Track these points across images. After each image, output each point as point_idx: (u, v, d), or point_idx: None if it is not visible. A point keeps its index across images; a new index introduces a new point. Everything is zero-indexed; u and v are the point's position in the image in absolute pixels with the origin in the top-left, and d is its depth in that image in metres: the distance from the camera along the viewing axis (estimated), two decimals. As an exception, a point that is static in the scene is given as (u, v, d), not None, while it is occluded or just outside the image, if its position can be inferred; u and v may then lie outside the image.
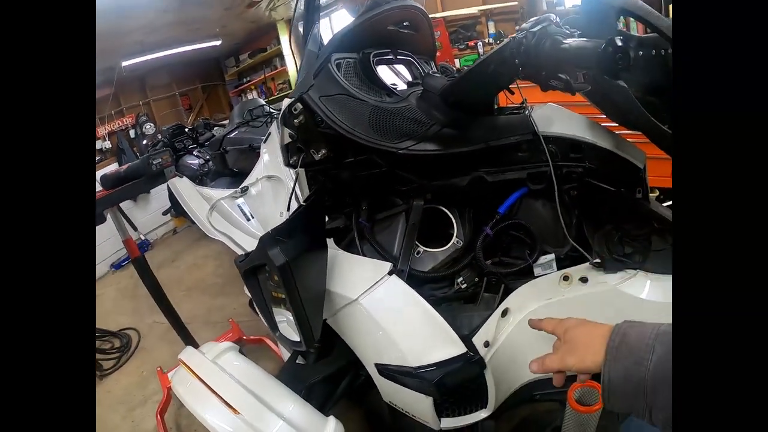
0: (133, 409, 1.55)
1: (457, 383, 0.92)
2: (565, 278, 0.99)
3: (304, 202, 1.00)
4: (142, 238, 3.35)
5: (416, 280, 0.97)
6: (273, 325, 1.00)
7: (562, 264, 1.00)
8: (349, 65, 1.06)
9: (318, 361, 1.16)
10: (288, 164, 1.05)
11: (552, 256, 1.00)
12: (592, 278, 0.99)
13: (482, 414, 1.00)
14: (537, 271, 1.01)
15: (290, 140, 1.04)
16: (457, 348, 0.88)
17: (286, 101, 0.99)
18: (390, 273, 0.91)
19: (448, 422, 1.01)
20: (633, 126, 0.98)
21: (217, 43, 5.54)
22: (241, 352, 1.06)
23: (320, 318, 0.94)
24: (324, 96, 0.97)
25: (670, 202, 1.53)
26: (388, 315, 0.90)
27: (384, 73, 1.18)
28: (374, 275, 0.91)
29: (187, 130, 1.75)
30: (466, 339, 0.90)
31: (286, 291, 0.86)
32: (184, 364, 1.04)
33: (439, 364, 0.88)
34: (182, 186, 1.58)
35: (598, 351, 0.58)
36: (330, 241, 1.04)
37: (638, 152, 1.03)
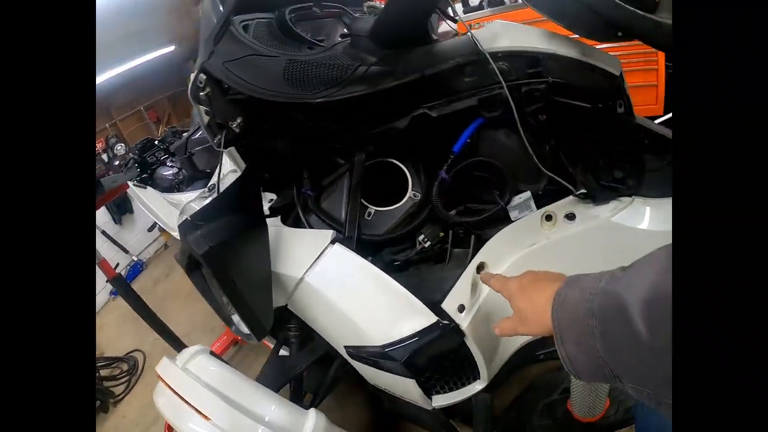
0: (148, 429, 1.53)
1: (433, 358, 0.78)
2: (548, 218, 0.82)
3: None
4: (135, 259, 3.24)
5: (371, 246, 0.83)
6: (227, 319, 0.90)
7: (541, 202, 0.83)
8: (261, 25, 0.93)
9: (302, 350, 1.06)
10: (216, 146, 0.94)
11: (528, 194, 0.83)
12: (580, 213, 0.81)
13: (477, 386, 0.84)
14: (513, 214, 0.84)
15: (209, 118, 0.94)
16: (426, 318, 0.73)
17: (192, 75, 0.88)
18: (333, 242, 0.78)
19: (440, 400, 0.86)
20: (606, 29, 0.79)
21: (171, 48, 5.28)
22: (212, 353, 0.97)
23: (269, 305, 0.82)
24: (229, 61, 0.85)
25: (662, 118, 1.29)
26: (338, 290, 0.76)
27: (312, 28, 1.05)
28: (315, 247, 0.78)
29: (156, 142, 1.69)
30: (437, 305, 0.75)
31: (216, 280, 0.75)
32: (159, 376, 0.96)
33: (406, 340, 0.74)
34: (147, 196, 1.51)
35: (545, 321, 0.51)
36: (276, 220, 0.92)
37: (611, 59, 0.84)
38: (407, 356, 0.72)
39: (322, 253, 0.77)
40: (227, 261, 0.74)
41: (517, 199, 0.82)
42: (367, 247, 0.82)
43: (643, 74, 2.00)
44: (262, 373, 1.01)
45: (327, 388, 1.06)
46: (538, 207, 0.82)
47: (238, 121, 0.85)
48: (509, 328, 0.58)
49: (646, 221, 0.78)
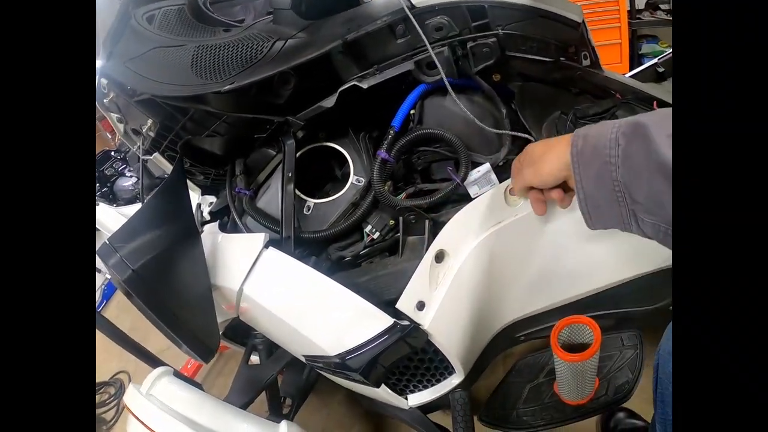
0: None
1: (397, 362, 0.65)
2: (513, 190, 0.67)
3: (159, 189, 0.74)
4: (108, 278, 3.00)
5: (313, 245, 0.68)
6: (175, 341, 0.77)
7: (504, 174, 0.68)
8: (170, 14, 0.75)
9: (270, 356, 0.94)
10: (135, 156, 0.79)
11: (486, 165, 0.67)
12: None
13: (454, 380, 0.72)
14: (473, 191, 0.69)
15: (123, 125, 0.78)
16: (380, 321, 0.59)
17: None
18: (266, 246, 0.64)
19: (416, 398, 0.74)
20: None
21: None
22: (176, 374, 0.85)
23: (211, 323, 0.68)
24: (131, 59, 0.69)
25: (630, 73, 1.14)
26: (277, 300, 0.61)
27: (242, 11, 0.88)
28: (249, 254, 0.63)
29: (113, 153, 1.53)
30: (391, 304, 0.62)
31: (144, 305, 0.61)
32: (126, 406, 0.84)
33: (361, 348, 0.60)
34: (99, 214, 1.36)
35: (561, 154, 0.49)
36: (214, 226, 0.78)
37: (570, 4, 0.67)
38: (363, 366, 0.59)
39: (256, 259, 0.63)
40: (155, 283, 0.60)
41: (475, 173, 0.67)
42: (310, 246, 0.68)
43: (605, 32, 1.83)
44: (233, 385, 0.90)
45: (304, 392, 0.95)
46: (501, 180, 0.67)
47: (149, 124, 0.70)
48: (522, 181, 0.55)
49: None
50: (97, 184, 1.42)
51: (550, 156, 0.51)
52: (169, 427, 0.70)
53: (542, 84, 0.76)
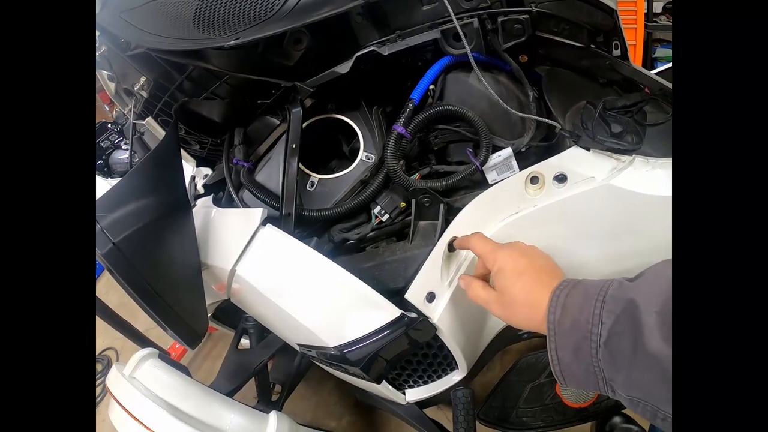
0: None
1: (400, 356, 0.56)
2: (534, 180, 0.57)
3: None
4: None
5: (317, 223, 0.58)
6: (160, 323, 0.67)
7: (526, 162, 0.58)
8: None
9: (261, 341, 0.85)
10: (125, 117, 0.68)
11: (508, 150, 0.58)
12: (572, 175, 0.56)
13: (455, 377, 0.63)
14: (491, 176, 0.60)
15: (114, 84, 0.67)
16: (386, 312, 0.49)
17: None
18: (264, 223, 0.54)
19: (414, 393, 0.65)
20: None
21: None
22: (161, 357, 0.75)
23: (199, 306, 0.58)
24: (128, 10, 0.57)
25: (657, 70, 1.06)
26: (273, 284, 0.51)
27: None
28: (245, 231, 0.53)
29: (110, 125, 1.40)
30: (400, 294, 0.53)
31: (125, 283, 0.51)
32: (108, 389, 0.74)
33: (363, 340, 0.52)
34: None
35: (536, 319, 0.41)
36: (208, 199, 0.68)
37: None
38: (365, 361, 0.50)
39: (252, 237, 0.53)
40: (138, 259, 0.50)
41: (495, 158, 0.58)
42: (311, 225, 0.58)
43: (622, 33, 1.76)
44: (221, 370, 0.80)
45: (295, 379, 0.86)
46: (522, 167, 0.58)
47: (141, 82, 0.59)
48: (483, 301, 0.45)
49: (648, 184, 0.54)
50: (91, 155, 1.30)
51: (523, 308, 0.41)
52: (152, 414, 0.60)
53: (569, 71, 0.68)
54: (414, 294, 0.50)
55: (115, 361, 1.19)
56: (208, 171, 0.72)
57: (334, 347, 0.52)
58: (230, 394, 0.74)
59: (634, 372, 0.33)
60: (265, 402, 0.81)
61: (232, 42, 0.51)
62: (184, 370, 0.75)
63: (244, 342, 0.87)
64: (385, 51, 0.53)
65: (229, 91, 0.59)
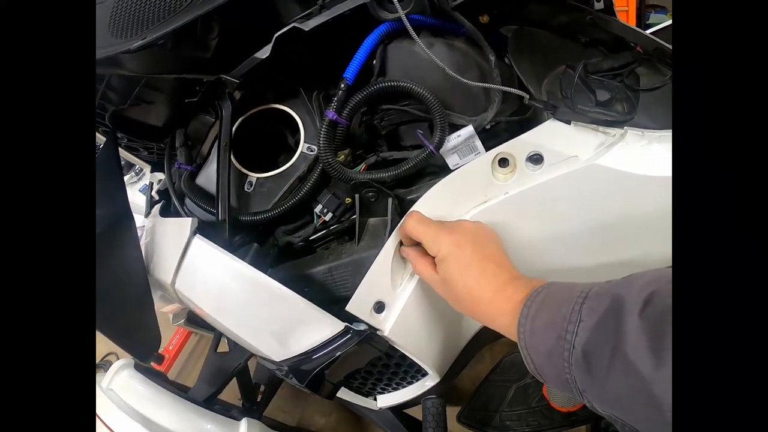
0: None
1: (354, 369, 0.50)
2: (503, 162, 0.46)
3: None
4: None
5: (257, 228, 0.51)
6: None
7: (492, 141, 0.47)
8: None
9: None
10: None
11: (469, 129, 0.47)
12: (548, 154, 0.45)
13: (428, 382, 0.55)
14: (452, 161, 0.50)
15: None
16: (328, 326, 0.42)
17: None
18: (195, 233, 0.47)
19: (386, 399, 0.59)
20: None
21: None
22: (136, 367, 0.73)
23: (148, 320, 0.54)
24: None
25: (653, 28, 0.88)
26: (207, 300, 0.45)
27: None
28: (177, 243, 0.47)
29: None
30: (344, 304, 0.45)
31: None
32: None
33: (306, 356, 0.45)
34: None
35: (480, 311, 0.36)
36: (156, 209, 0.62)
37: None
38: (309, 380, 0.44)
39: (184, 250, 0.47)
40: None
41: (455, 139, 0.47)
42: (254, 229, 0.51)
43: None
44: (201, 375, 0.77)
45: (277, 379, 0.82)
46: (488, 147, 0.47)
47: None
48: (427, 280, 0.40)
49: (644, 162, 0.43)
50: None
51: (467, 302, 0.37)
52: (126, 428, 0.58)
53: (544, 30, 0.55)
54: (358, 305, 0.42)
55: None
56: (163, 176, 0.67)
57: (280, 362, 0.46)
58: (211, 397, 0.71)
59: (609, 383, 0.27)
60: (249, 403, 0.78)
61: (138, 43, 0.43)
62: (161, 377, 0.73)
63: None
64: (308, 26, 0.43)
65: (155, 94, 0.52)
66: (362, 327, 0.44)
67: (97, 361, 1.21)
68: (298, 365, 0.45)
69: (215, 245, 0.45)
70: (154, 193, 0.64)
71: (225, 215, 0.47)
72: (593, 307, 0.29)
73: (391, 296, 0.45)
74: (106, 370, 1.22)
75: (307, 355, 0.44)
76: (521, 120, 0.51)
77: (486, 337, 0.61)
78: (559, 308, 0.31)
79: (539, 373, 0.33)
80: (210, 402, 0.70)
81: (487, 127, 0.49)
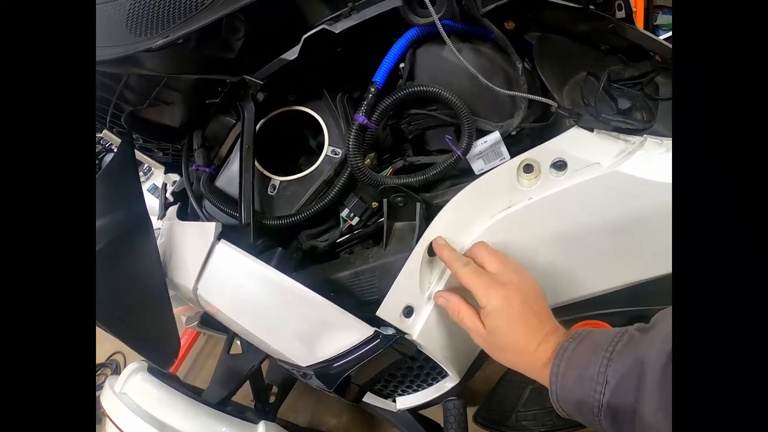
0: None
1: (380, 373, 0.49)
2: (528, 168, 0.46)
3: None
4: None
5: (281, 232, 0.49)
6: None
7: (517, 147, 0.47)
8: None
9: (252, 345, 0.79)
10: None
11: (496, 135, 0.47)
12: (572, 161, 0.45)
13: (447, 384, 0.54)
14: (477, 166, 0.49)
15: None
16: (356, 331, 0.42)
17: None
18: (219, 237, 0.46)
19: (405, 401, 0.58)
20: None
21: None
22: (150, 370, 0.70)
23: (167, 326, 0.52)
24: None
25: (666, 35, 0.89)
26: (232, 305, 0.44)
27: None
28: (200, 247, 0.45)
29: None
30: (374, 309, 0.44)
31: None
32: (101, 406, 0.70)
33: (334, 361, 0.44)
34: None
35: (521, 362, 0.39)
36: (172, 211, 0.60)
37: None
38: (336, 385, 0.43)
39: (208, 254, 0.45)
40: (98, 285, 0.43)
41: (481, 144, 0.47)
42: (276, 234, 0.50)
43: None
44: (214, 377, 0.75)
45: (291, 379, 0.80)
46: (514, 153, 0.46)
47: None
48: (466, 328, 0.40)
49: (662, 170, 0.42)
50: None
51: (509, 354, 0.39)
52: (135, 428, 0.56)
53: (564, 37, 0.55)
54: (388, 310, 0.41)
55: (122, 366, 1.17)
56: (177, 177, 0.65)
57: (306, 367, 0.44)
58: (224, 400, 0.69)
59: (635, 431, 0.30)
60: (262, 404, 0.76)
61: (160, 42, 0.41)
62: (175, 380, 0.71)
63: (239, 344, 0.81)
64: (337, 28, 0.42)
65: (174, 94, 0.50)
66: (390, 331, 0.43)
67: (104, 360, 1.18)
68: (326, 370, 0.43)
69: (241, 250, 0.43)
70: (169, 194, 0.62)
71: (249, 219, 0.46)
72: (617, 369, 0.31)
73: (419, 301, 0.44)
74: (112, 369, 1.19)
75: (335, 360, 0.42)
76: (544, 126, 0.51)
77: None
78: (586, 368, 0.33)
79: (574, 418, 0.36)
80: (223, 404, 0.68)
81: (513, 133, 0.48)
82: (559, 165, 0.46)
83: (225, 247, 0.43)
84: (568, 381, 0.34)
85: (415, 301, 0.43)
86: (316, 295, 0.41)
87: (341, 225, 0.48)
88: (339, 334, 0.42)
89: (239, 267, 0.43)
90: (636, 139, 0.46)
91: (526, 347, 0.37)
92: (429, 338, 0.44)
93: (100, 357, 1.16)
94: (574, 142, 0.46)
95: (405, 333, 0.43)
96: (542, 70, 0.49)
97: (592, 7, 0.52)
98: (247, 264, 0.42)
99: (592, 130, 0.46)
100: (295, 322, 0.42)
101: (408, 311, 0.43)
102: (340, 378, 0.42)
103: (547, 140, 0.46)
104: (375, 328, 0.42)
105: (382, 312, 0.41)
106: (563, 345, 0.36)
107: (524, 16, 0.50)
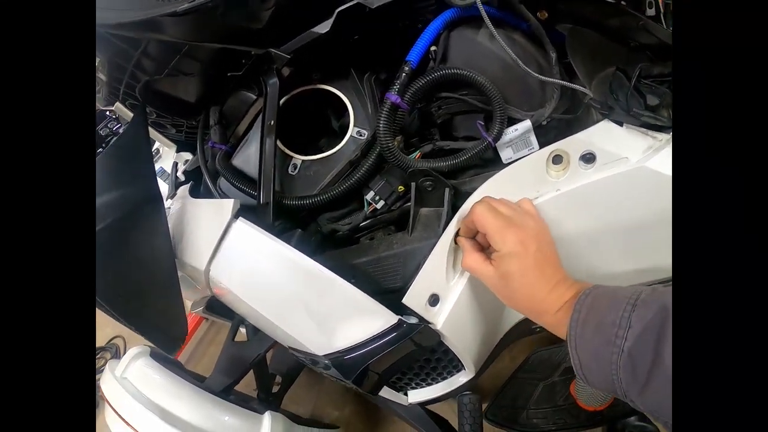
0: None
1: (398, 364, 0.46)
2: (557, 159, 0.44)
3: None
4: None
5: (300, 213, 0.46)
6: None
7: (546, 137, 0.45)
8: None
9: (258, 333, 0.75)
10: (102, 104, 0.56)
11: (527, 123, 0.44)
12: (601, 154, 0.42)
13: (462, 378, 0.52)
14: (505, 154, 0.47)
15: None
16: (380, 318, 0.38)
17: None
18: (236, 216, 0.42)
19: (417, 395, 0.55)
20: None
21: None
22: (152, 355, 0.66)
23: (175, 309, 0.47)
24: None
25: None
26: (248, 286, 0.40)
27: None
28: (215, 226, 0.41)
29: (108, 112, 1.29)
30: (399, 295, 0.42)
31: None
32: (100, 390, 0.65)
33: (353, 350, 0.40)
34: None
35: (532, 308, 0.37)
36: (186, 188, 0.56)
37: None
38: (357, 375, 0.40)
39: (223, 233, 0.42)
40: (105, 263, 0.39)
41: (512, 132, 0.44)
42: (296, 215, 0.46)
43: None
44: (217, 364, 0.71)
45: (295, 369, 0.77)
46: (542, 144, 0.44)
47: (96, 63, 0.47)
48: (479, 274, 0.38)
49: None
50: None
51: (522, 299, 0.37)
52: (142, 418, 0.52)
53: (594, 31, 0.53)
54: (414, 297, 0.39)
55: (122, 350, 1.11)
56: (189, 156, 0.61)
57: (323, 356, 0.41)
58: (227, 389, 0.65)
59: (651, 384, 0.29)
60: (265, 394, 0.72)
61: (186, 5, 0.37)
62: (177, 366, 0.67)
63: (243, 331, 0.77)
64: (373, 3, 0.39)
65: (193, 64, 0.46)
66: (413, 320, 0.40)
67: (104, 344, 1.12)
68: (343, 359, 0.40)
69: (260, 229, 0.39)
70: (180, 173, 0.58)
71: (269, 198, 0.42)
72: (641, 315, 0.30)
73: (445, 289, 0.41)
74: (112, 354, 1.13)
75: (355, 348, 0.39)
76: (570, 119, 0.48)
77: (516, 333, 0.58)
78: (608, 313, 0.31)
79: (584, 372, 0.33)
80: (226, 393, 0.64)
81: (544, 123, 0.45)
82: (588, 157, 0.44)
83: (243, 226, 0.40)
84: (588, 327, 0.32)
85: (441, 289, 0.40)
86: (341, 279, 0.38)
87: (365, 208, 0.45)
88: (361, 321, 0.39)
89: (258, 246, 0.39)
90: (663, 136, 0.44)
91: (538, 294, 0.36)
92: (452, 329, 0.42)
93: (100, 341, 1.11)
94: (604, 136, 0.44)
95: (429, 322, 0.40)
96: (574, 61, 0.46)
97: (623, 2, 0.50)
98: (268, 243, 0.39)
99: (621, 125, 0.44)
100: (316, 307, 0.39)
101: (434, 300, 0.40)
102: (360, 368, 0.39)
103: (572, 133, 0.44)
104: (399, 317, 0.39)
105: (408, 299, 0.38)
106: (585, 292, 0.34)
107: (557, 7, 0.48)
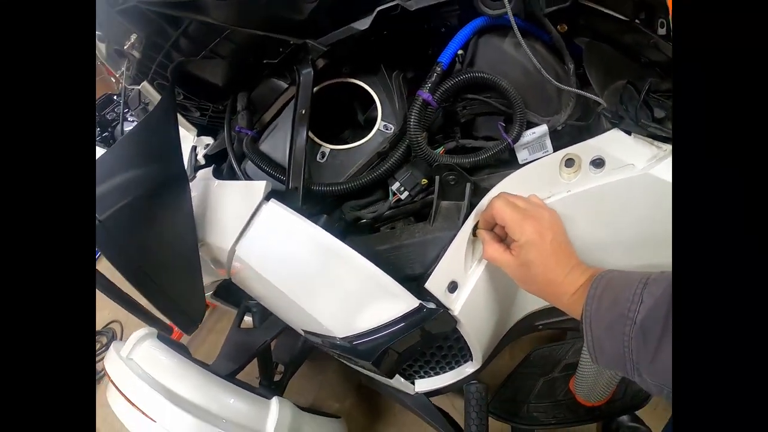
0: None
1: (411, 352, 0.47)
2: (569, 162, 0.46)
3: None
4: None
5: (327, 199, 0.47)
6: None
7: (560, 142, 0.47)
8: None
9: (264, 320, 0.75)
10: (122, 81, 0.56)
11: (543, 128, 0.47)
12: (610, 160, 0.46)
13: (468, 369, 0.53)
14: (522, 155, 0.49)
15: (105, 45, 0.55)
16: (402, 302, 0.40)
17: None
18: (267, 197, 0.43)
19: (424, 384, 0.56)
20: None
21: None
22: (160, 336, 0.65)
23: (195, 289, 0.47)
24: None
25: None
26: (276, 266, 0.41)
27: None
28: (246, 206, 0.42)
29: (116, 97, 1.27)
30: (419, 281, 0.43)
31: (112, 264, 0.41)
32: (105, 372, 0.64)
33: (375, 332, 0.42)
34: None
35: (549, 293, 0.39)
36: (208, 171, 0.57)
37: None
38: (377, 355, 0.41)
39: (254, 214, 0.43)
40: (127, 237, 0.39)
41: (529, 135, 0.47)
42: (321, 201, 0.47)
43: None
44: (222, 350, 0.71)
45: (298, 359, 0.77)
46: (556, 148, 0.47)
47: (132, 40, 0.47)
48: (499, 263, 0.40)
49: None
50: (98, 129, 1.17)
51: (540, 284, 0.39)
52: (147, 398, 0.51)
53: (609, 46, 0.56)
54: (435, 283, 0.40)
55: (119, 335, 1.09)
56: (210, 140, 0.62)
57: (343, 338, 0.42)
58: (231, 375, 0.65)
59: (660, 355, 0.30)
60: (268, 381, 0.72)
61: None
62: (184, 349, 0.66)
63: (248, 320, 0.77)
64: (412, 5, 0.41)
65: (231, 49, 0.47)
66: (432, 305, 0.41)
67: (100, 328, 1.09)
68: (365, 341, 0.41)
69: (293, 211, 0.40)
70: (201, 156, 0.58)
71: (298, 183, 0.43)
72: (652, 291, 0.32)
73: (463, 277, 0.43)
74: (108, 338, 1.10)
75: (377, 330, 0.40)
76: (582, 126, 0.51)
77: (519, 330, 0.60)
78: (622, 290, 0.34)
79: (595, 349, 0.35)
80: (230, 378, 0.64)
81: (559, 128, 0.48)
82: (598, 162, 0.47)
83: (276, 207, 0.41)
84: (603, 303, 0.34)
85: (459, 277, 0.42)
86: (369, 262, 0.39)
87: (390, 198, 0.46)
88: (384, 304, 0.40)
89: (289, 227, 0.40)
90: (668, 147, 0.47)
91: (556, 278, 0.39)
92: (467, 315, 0.43)
93: (97, 324, 1.08)
94: (614, 143, 0.47)
95: (448, 308, 0.41)
96: (589, 72, 0.49)
97: (637, 21, 0.53)
98: (299, 225, 0.40)
99: (630, 134, 0.47)
100: (344, 289, 0.40)
101: (453, 286, 0.42)
102: (381, 350, 0.40)
103: (584, 139, 0.46)
104: (420, 301, 0.40)
105: (430, 284, 0.40)
106: (600, 274, 0.37)
107: (577, 22, 0.51)
